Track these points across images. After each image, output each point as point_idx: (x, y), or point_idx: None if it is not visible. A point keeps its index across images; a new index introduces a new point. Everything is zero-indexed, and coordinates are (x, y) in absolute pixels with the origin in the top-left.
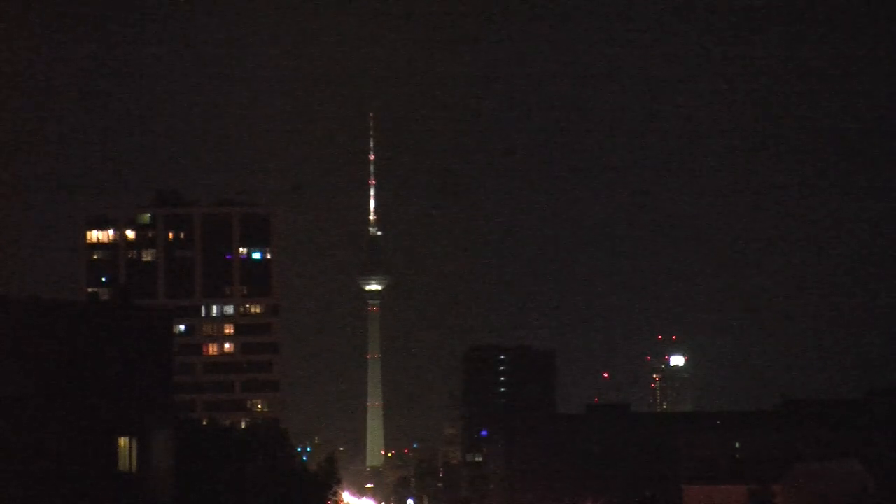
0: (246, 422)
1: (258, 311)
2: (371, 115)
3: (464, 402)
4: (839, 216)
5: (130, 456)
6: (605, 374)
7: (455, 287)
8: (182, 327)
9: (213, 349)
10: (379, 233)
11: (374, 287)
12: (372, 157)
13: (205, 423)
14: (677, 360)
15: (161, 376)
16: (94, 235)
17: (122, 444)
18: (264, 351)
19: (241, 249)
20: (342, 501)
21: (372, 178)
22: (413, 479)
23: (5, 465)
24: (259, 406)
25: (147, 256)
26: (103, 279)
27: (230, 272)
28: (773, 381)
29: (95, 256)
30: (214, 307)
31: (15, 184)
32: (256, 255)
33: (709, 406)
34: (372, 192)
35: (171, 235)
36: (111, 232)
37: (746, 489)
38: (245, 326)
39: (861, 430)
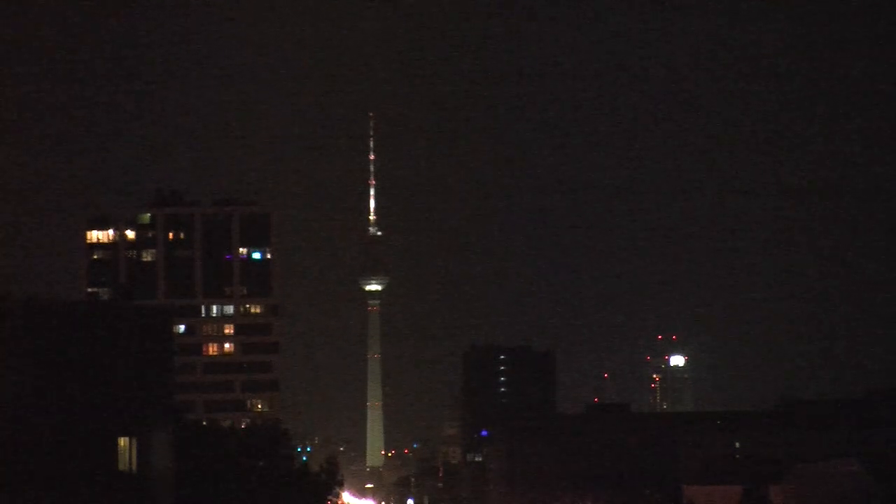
0: (246, 422)
1: (258, 311)
2: (371, 114)
3: (464, 402)
4: (839, 216)
5: (130, 456)
6: (605, 374)
7: (455, 287)
8: (182, 327)
9: (213, 349)
10: (379, 233)
11: (374, 287)
12: (372, 157)
13: (205, 423)
14: (677, 360)
15: (161, 376)
16: (94, 235)
17: (122, 444)
18: (264, 351)
19: (241, 249)
20: (342, 502)
21: (372, 178)
22: (413, 479)
23: (5, 465)
24: (259, 406)
25: (147, 256)
26: (103, 279)
27: (230, 272)
28: (773, 381)
29: (95, 256)
30: (214, 307)
31: (15, 184)
32: (256, 255)
33: (709, 406)
34: (372, 192)
35: (171, 235)
36: (111, 232)
37: (744, 489)
38: (245, 326)
39: (861, 430)
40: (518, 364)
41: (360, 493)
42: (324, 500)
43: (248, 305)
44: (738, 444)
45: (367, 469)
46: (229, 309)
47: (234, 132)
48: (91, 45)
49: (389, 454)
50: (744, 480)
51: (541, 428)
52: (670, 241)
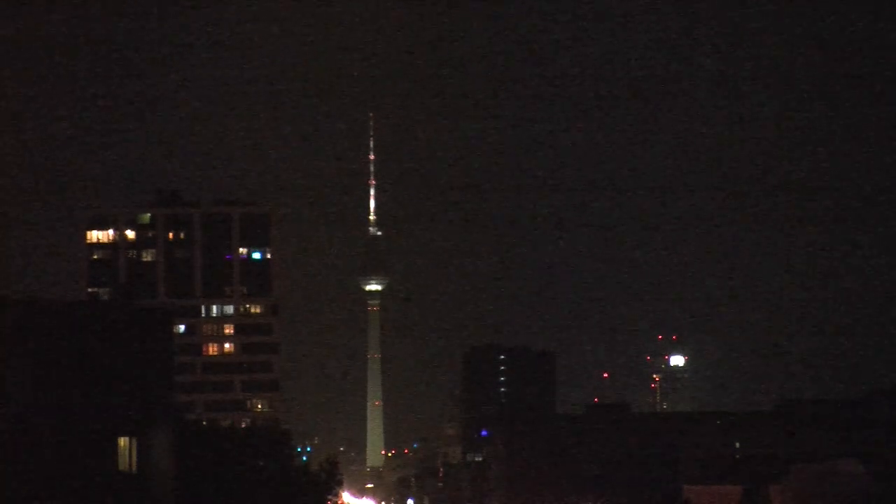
0: (246, 422)
1: (258, 311)
2: (371, 115)
3: (464, 402)
4: (838, 215)
5: (130, 456)
6: (605, 374)
7: (455, 287)
8: (182, 327)
9: (213, 349)
10: (379, 233)
11: (374, 287)
12: (372, 157)
13: (205, 423)
14: (677, 360)
15: (161, 376)
16: (94, 235)
17: (122, 444)
18: (264, 351)
19: (241, 249)
20: (342, 502)
21: (372, 178)
22: (413, 479)
23: (5, 465)
24: (259, 406)
25: (147, 256)
26: (103, 279)
27: (230, 272)
28: (773, 381)
29: (95, 256)
30: (214, 307)
31: (15, 184)
32: (256, 255)
33: (709, 406)
34: (372, 192)
35: (171, 235)
36: (111, 232)
37: (744, 489)
38: (245, 326)
39: (861, 430)
40: (518, 364)
41: (361, 493)
42: (324, 500)
43: (248, 305)
44: (738, 444)
45: (368, 469)
46: (229, 309)
47: (234, 132)
48: (91, 45)
49: (389, 454)
50: (744, 480)
51: (541, 428)
52: (670, 241)
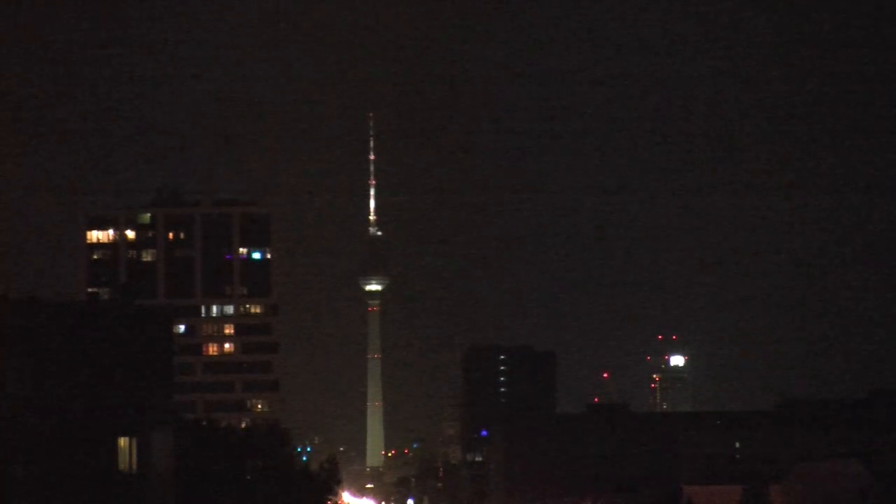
0: (246, 422)
1: (258, 311)
2: (371, 115)
3: (464, 402)
4: (839, 215)
5: (130, 456)
6: (605, 374)
7: (455, 287)
8: (182, 327)
9: (213, 349)
10: (379, 233)
11: (374, 287)
12: (372, 157)
13: (205, 423)
14: (677, 360)
15: (161, 376)
16: (94, 235)
17: (122, 444)
18: (264, 351)
19: (241, 249)
20: (342, 501)
21: (372, 178)
22: (413, 479)
23: (6, 465)
24: (259, 406)
25: (147, 256)
26: (103, 279)
27: (230, 272)
28: (773, 381)
29: (95, 256)
30: (214, 307)
31: (15, 184)
32: (256, 255)
33: (709, 406)
34: (372, 192)
35: (171, 235)
36: (111, 232)
37: (744, 489)
38: (245, 326)
39: (861, 430)
40: (518, 364)
41: (360, 493)
42: (324, 500)
43: (248, 305)
44: (738, 444)
45: (367, 469)
46: (229, 309)
47: (234, 132)
48: (91, 45)
49: (389, 454)
50: (744, 480)
51: (541, 428)
52: (670, 241)
